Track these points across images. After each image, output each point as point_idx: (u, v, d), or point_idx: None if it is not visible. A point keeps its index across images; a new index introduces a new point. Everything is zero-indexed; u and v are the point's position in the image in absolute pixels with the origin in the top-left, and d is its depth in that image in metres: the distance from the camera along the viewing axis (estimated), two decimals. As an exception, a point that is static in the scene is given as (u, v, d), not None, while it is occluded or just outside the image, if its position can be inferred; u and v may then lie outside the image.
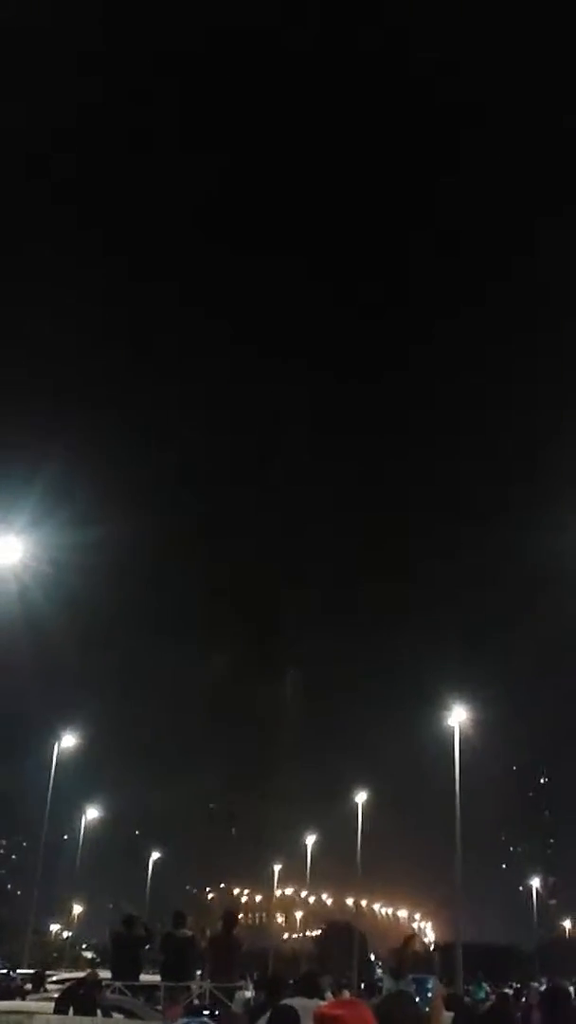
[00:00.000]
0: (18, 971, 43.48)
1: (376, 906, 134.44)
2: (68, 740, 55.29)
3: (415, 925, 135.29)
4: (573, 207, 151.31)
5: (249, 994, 20.91)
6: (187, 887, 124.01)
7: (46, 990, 24.06)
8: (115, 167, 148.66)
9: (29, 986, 27.85)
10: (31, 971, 33.85)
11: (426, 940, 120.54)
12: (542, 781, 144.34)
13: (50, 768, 53.30)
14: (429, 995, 18.89)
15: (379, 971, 76.38)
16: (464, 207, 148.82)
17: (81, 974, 21.51)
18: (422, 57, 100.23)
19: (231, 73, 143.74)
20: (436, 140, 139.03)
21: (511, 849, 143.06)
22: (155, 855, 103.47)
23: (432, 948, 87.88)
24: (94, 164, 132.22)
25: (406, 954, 18.18)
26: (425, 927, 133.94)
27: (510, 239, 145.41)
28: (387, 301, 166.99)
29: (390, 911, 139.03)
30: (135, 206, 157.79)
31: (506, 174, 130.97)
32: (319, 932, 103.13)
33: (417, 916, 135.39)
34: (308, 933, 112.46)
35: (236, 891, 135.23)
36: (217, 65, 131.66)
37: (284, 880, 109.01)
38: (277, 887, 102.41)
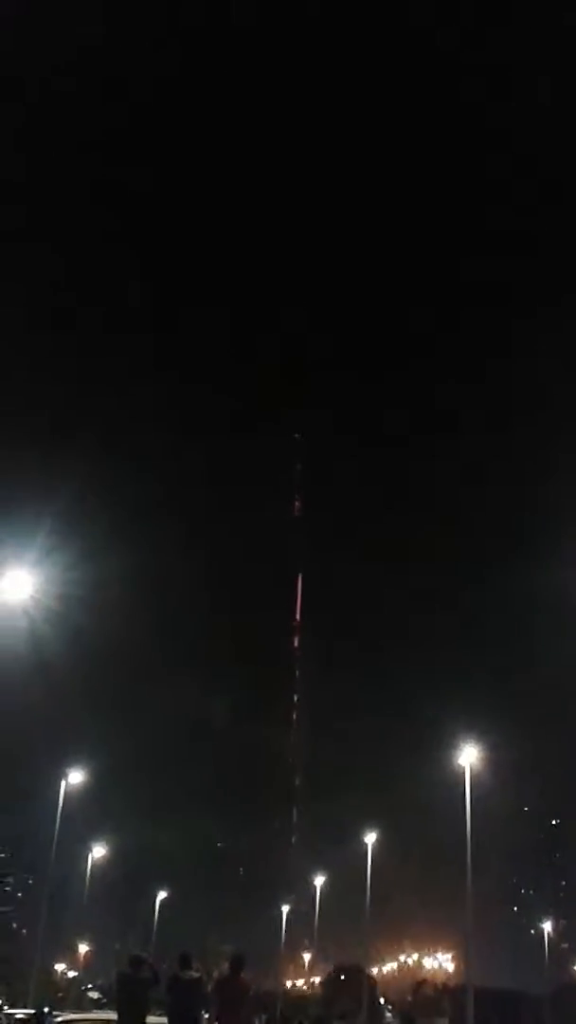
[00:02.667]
0: (7, 1011, 42.90)
1: (387, 953, 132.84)
2: (75, 777, 54.94)
3: (437, 964, 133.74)
4: None
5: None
6: (194, 928, 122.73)
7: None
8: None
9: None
10: (28, 1011, 33.39)
11: (447, 971, 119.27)
12: (553, 823, 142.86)
13: (57, 806, 52.94)
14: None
15: (388, 1015, 75.43)
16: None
17: (87, 1015, 21.27)
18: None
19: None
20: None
21: (522, 892, 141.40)
22: (162, 895, 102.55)
23: (442, 991, 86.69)
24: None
25: (417, 999, 17.95)
26: (444, 964, 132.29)
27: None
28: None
29: (402, 956, 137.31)
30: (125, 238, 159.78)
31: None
32: (328, 975, 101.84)
33: (439, 955, 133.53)
34: (317, 975, 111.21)
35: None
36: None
37: (293, 921, 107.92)
38: (285, 928, 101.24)
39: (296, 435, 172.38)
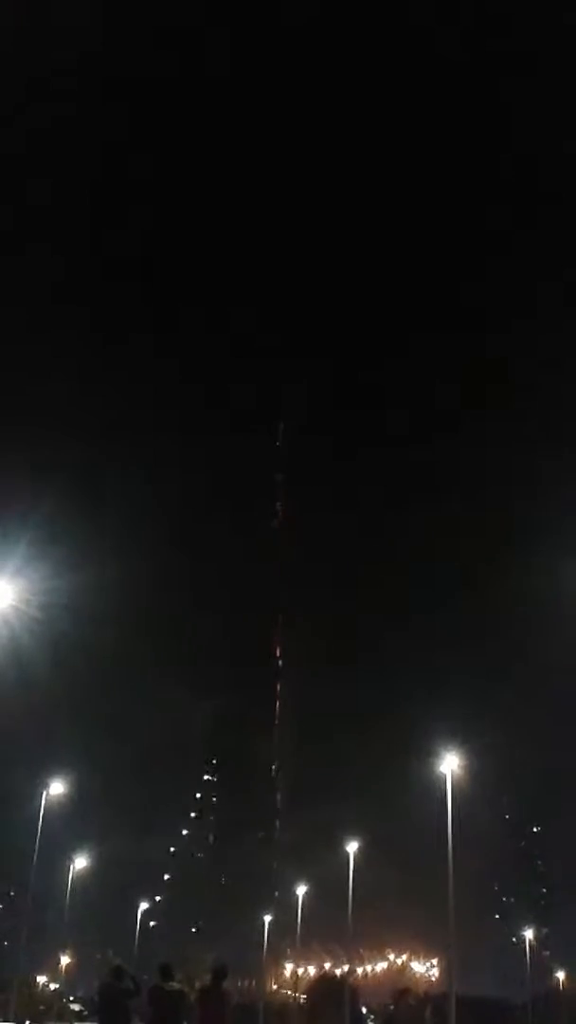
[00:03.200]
0: None
1: (368, 961, 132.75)
2: (56, 788, 54.65)
3: (424, 968, 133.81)
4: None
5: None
6: (176, 938, 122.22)
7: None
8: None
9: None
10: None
11: (429, 979, 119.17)
12: (535, 830, 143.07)
13: (38, 817, 52.66)
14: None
15: (370, 1024, 75.27)
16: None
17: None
18: None
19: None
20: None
21: (504, 899, 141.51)
22: (144, 905, 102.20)
23: (424, 999, 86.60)
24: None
25: (399, 1008, 17.94)
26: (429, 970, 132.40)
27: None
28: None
29: (382, 964, 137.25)
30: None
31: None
32: (310, 984, 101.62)
33: (432, 963, 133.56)
34: (299, 985, 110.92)
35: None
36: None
37: (275, 930, 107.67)
38: (267, 937, 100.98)
39: (280, 438, 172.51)
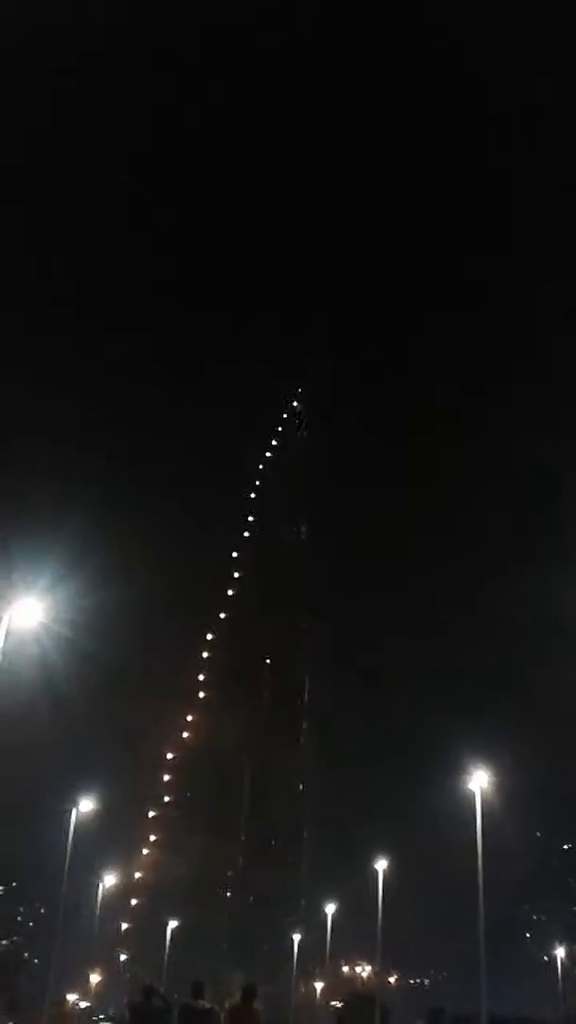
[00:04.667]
0: None
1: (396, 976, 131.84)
2: (86, 805, 54.81)
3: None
4: None
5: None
6: (205, 957, 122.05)
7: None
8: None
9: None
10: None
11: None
12: (565, 848, 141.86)
13: (67, 834, 52.81)
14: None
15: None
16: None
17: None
18: None
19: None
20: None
21: (534, 918, 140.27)
22: (173, 923, 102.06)
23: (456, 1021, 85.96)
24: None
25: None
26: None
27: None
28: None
29: (414, 981, 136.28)
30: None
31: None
32: (340, 1004, 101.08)
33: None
34: (329, 1004, 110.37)
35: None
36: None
37: (304, 949, 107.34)
38: (297, 956, 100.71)
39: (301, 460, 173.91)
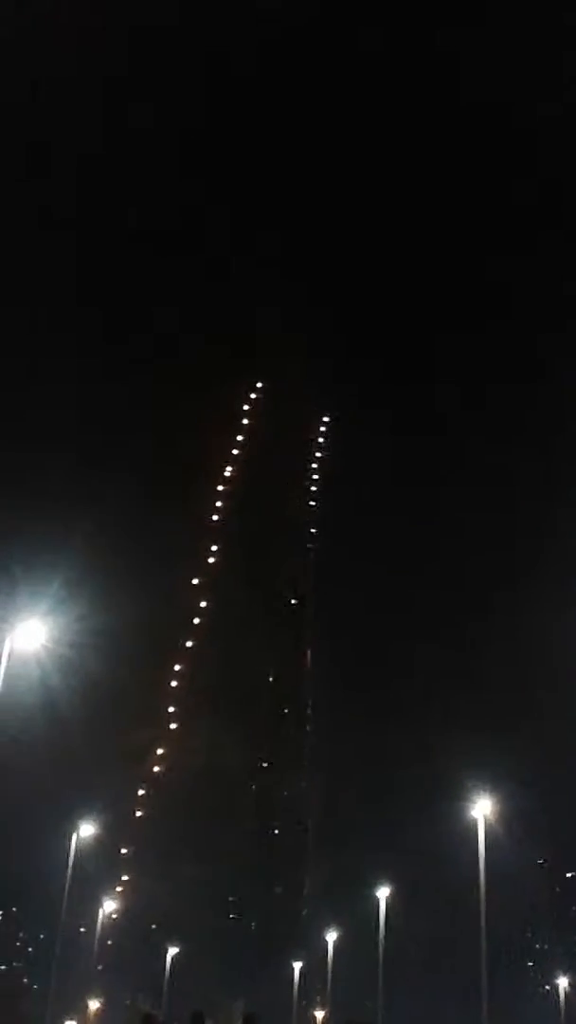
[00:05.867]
0: None
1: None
2: (86, 830, 54.61)
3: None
4: None
5: None
6: (205, 984, 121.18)
7: None
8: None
9: None
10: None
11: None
12: (568, 876, 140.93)
13: (68, 858, 52.61)
14: None
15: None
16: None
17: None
18: None
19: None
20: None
21: (537, 947, 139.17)
22: (173, 950, 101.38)
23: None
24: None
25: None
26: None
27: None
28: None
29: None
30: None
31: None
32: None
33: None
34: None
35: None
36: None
37: (306, 977, 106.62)
38: (298, 984, 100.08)
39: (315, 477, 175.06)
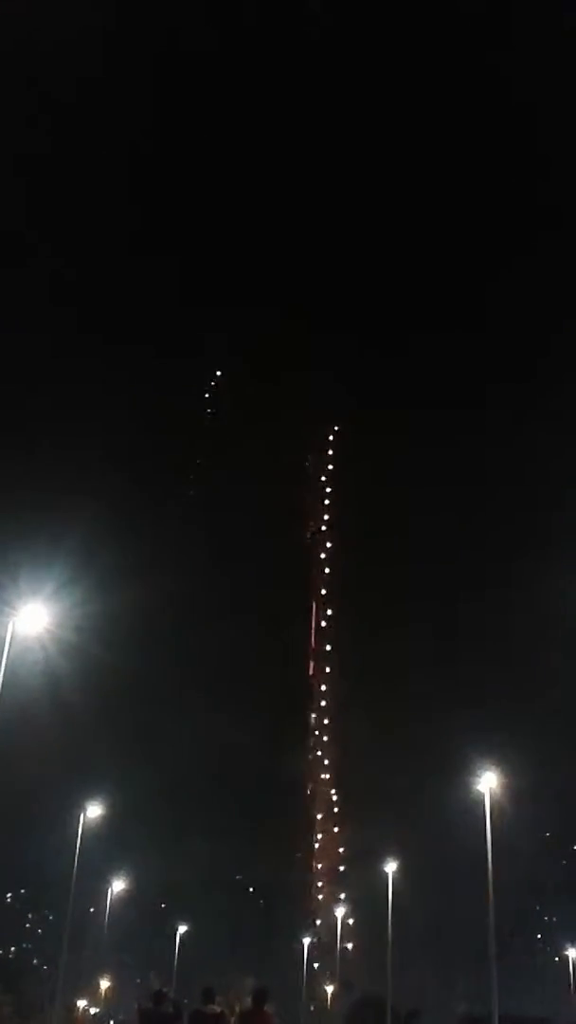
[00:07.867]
0: None
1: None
2: (93, 811, 54.60)
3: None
4: None
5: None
6: (215, 961, 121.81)
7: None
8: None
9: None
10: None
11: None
12: (575, 848, 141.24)
13: (76, 839, 52.58)
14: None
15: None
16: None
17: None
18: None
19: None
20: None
21: (545, 919, 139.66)
22: (182, 928, 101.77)
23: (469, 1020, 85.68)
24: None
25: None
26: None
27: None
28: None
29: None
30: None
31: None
32: (352, 1007, 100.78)
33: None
34: (339, 1007, 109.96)
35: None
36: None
37: (315, 953, 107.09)
38: (307, 960, 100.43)
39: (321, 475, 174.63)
